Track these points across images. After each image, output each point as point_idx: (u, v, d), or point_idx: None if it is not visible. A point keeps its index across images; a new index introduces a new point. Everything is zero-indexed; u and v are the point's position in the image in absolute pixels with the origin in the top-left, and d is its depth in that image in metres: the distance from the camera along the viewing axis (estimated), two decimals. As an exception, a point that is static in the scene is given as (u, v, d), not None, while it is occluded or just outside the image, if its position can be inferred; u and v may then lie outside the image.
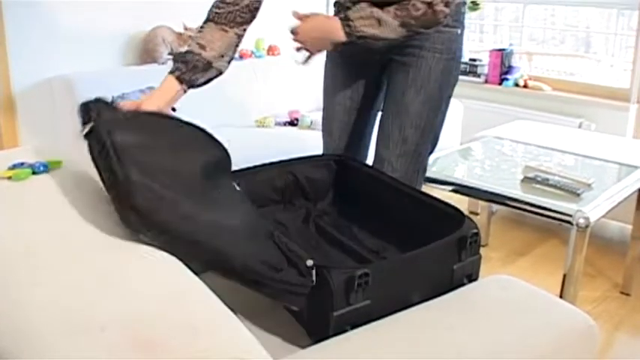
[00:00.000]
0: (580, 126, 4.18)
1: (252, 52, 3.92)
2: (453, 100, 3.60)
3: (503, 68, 4.61)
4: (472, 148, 3.10)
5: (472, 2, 4.70)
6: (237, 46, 1.92)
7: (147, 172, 1.28)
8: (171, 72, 1.82)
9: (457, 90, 4.50)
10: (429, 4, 1.84)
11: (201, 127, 1.63)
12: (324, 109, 2.33)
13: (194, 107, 3.38)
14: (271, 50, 3.97)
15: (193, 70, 1.82)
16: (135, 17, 3.54)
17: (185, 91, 1.84)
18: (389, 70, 2.15)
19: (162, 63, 3.44)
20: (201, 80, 1.85)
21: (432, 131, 2.13)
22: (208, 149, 1.60)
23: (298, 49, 2.00)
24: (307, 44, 1.97)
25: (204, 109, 3.47)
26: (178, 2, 3.63)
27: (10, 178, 1.63)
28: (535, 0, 4.72)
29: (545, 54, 4.87)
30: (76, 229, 1.30)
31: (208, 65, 1.84)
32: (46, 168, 1.68)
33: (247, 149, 2.98)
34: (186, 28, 3.48)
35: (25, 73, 3.24)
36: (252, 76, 3.67)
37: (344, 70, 2.24)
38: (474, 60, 4.76)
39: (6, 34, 3.13)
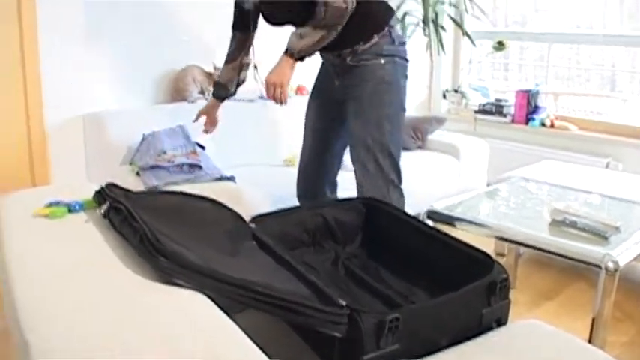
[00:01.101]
0: (607, 166, 4.16)
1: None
2: (478, 141, 3.66)
3: (529, 108, 4.63)
4: (499, 189, 3.10)
5: (498, 42, 4.74)
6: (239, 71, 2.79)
7: (171, 239, 1.33)
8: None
9: (484, 130, 4.54)
10: (325, 4, 2.23)
11: (210, 199, 1.74)
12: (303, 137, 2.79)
13: (223, 146, 3.44)
14: (299, 90, 4.01)
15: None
16: (167, 56, 3.60)
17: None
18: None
19: (192, 101, 3.49)
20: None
21: (385, 149, 2.42)
22: (222, 221, 1.65)
23: (275, 97, 2.40)
24: (277, 82, 2.36)
25: (233, 147, 3.52)
26: (209, 43, 3.69)
27: (47, 215, 1.67)
28: (560, 39, 4.75)
29: (570, 94, 4.88)
30: (111, 267, 1.33)
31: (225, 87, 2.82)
32: (82, 207, 1.72)
33: (275, 188, 3.00)
34: (216, 68, 3.54)
35: (58, 110, 3.28)
36: (281, 115, 3.71)
37: (316, 106, 2.72)
38: (500, 100, 4.79)
39: (41, 70, 3.18)
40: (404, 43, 2.53)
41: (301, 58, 2.36)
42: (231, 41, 2.75)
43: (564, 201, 2.85)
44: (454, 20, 4.90)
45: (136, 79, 3.53)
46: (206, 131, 2.97)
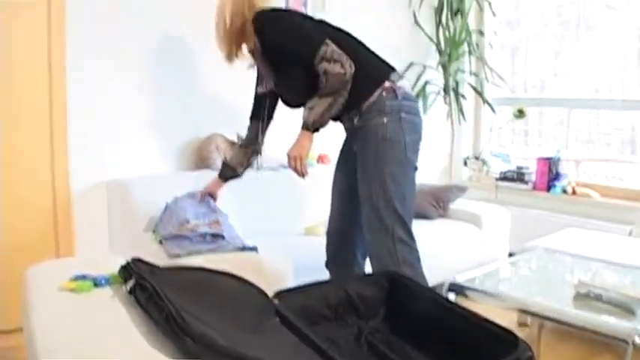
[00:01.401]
0: (630, 233, 4.12)
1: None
2: (500, 209, 3.66)
3: (550, 175, 4.62)
4: (522, 260, 3.09)
5: (518, 110, 4.80)
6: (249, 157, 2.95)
7: (196, 318, 1.34)
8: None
9: (505, 197, 4.56)
10: (325, 72, 2.36)
11: (234, 275, 1.75)
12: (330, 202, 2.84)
13: (244, 213, 3.46)
14: (321, 159, 4.05)
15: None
16: (191, 124, 3.67)
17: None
18: None
19: (216, 169, 3.53)
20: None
21: (390, 206, 2.44)
22: (246, 297, 1.66)
23: (297, 170, 2.54)
24: (297, 155, 2.50)
25: (254, 215, 3.53)
26: (233, 112, 3.76)
27: (73, 289, 1.69)
28: (579, 104, 4.78)
29: (591, 160, 4.87)
30: (136, 345, 1.34)
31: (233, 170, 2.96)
32: (107, 282, 1.73)
33: (298, 257, 3.00)
34: (239, 137, 3.59)
35: (84, 175, 3.33)
36: (303, 184, 3.74)
37: (341, 171, 2.79)
38: (521, 167, 4.80)
39: (68, 135, 3.25)
40: (411, 99, 2.56)
41: (317, 129, 2.47)
42: (249, 129, 2.92)
43: (589, 272, 2.83)
44: (474, 88, 4.96)
45: (160, 146, 3.58)
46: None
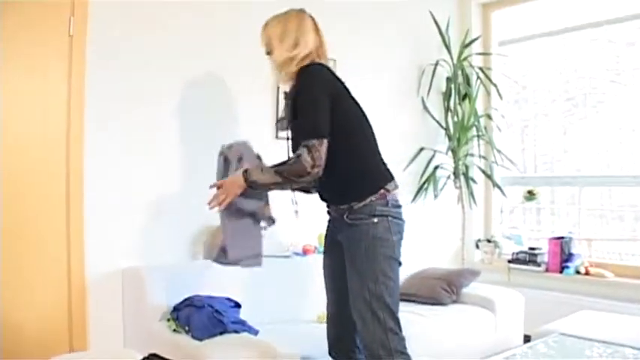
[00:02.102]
0: (647, 313, 4.09)
1: (316, 248, 4.02)
2: (513, 292, 3.65)
3: (563, 256, 4.62)
4: (537, 348, 3.06)
5: (528, 192, 4.83)
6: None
7: None
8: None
9: (518, 279, 4.54)
10: (298, 156, 2.44)
11: None
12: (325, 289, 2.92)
13: (257, 301, 3.47)
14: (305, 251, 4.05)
15: None
16: (206, 212, 3.70)
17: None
18: None
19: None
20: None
21: (381, 300, 2.52)
22: None
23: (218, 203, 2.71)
24: (225, 192, 2.65)
25: (267, 303, 3.54)
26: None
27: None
28: (590, 182, 4.82)
29: (604, 239, 4.87)
30: None
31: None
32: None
33: (307, 346, 3.00)
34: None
35: (99, 263, 3.33)
36: (315, 272, 3.74)
37: (329, 256, 2.85)
38: (534, 249, 4.80)
39: (84, 222, 3.27)
40: (399, 206, 2.66)
41: (251, 186, 2.59)
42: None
43: (608, 359, 2.79)
44: (484, 172, 5.02)
45: (175, 234, 3.61)
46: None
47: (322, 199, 2.80)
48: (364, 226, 2.57)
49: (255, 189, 2.62)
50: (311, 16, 2.81)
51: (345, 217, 2.62)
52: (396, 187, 2.68)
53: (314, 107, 2.53)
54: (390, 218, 2.58)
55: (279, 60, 2.71)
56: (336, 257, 2.76)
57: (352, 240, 2.61)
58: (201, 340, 2.92)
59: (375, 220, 2.56)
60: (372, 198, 2.57)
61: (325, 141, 2.48)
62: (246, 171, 2.59)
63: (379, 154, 2.74)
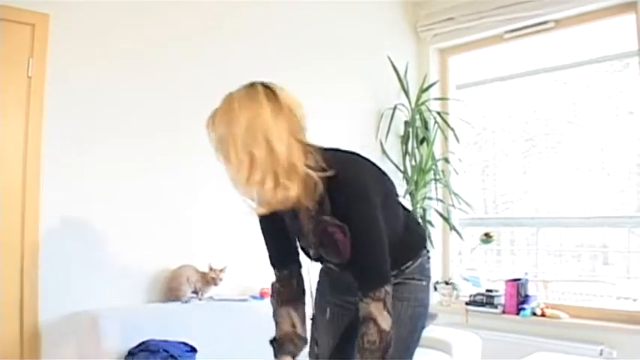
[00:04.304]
0: (601, 353, 4.14)
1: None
2: (470, 335, 3.66)
3: (519, 298, 4.66)
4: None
5: (485, 235, 4.88)
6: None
7: None
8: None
9: (475, 321, 4.59)
10: (372, 320, 1.96)
11: None
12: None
13: (215, 346, 3.41)
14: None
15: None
16: (161, 255, 3.68)
17: None
18: None
19: (186, 301, 3.54)
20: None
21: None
22: None
23: None
24: None
25: (224, 348, 3.49)
26: (204, 243, 3.81)
27: None
28: (548, 223, 4.91)
29: (560, 280, 4.94)
30: None
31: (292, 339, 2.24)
32: None
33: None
34: (211, 269, 3.61)
35: (53, 306, 3.29)
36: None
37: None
38: (491, 290, 4.83)
39: (39, 265, 3.24)
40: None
41: None
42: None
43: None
44: (441, 215, 5.08)
45: (130, 276, 3.58)
46: None
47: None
48: (413, 286, 2.22)
49: None
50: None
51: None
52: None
53: (381, 239, 2.01)
54: (430, 280, 2.33)
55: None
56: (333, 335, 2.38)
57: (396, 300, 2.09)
58: (155, 385, 2.89)
59: (425, 282, 2.26)
60: (421, 258, 2.27)
61: (389, 285, 2.02)
62: None
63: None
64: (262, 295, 3.91)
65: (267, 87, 2.02)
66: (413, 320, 2.21)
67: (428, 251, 2.35)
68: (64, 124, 3.33)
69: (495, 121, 5.37)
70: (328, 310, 2.39)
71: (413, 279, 2.22)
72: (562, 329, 4.43)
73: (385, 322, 1.95)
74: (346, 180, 1.99)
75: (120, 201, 3.55)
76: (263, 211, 2.04)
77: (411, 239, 2.29)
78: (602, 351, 4.15)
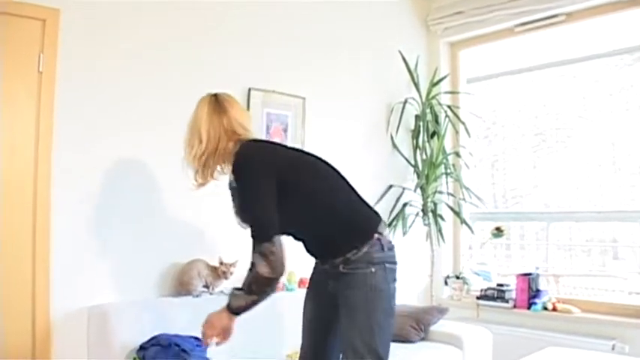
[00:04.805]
0: (613, 348, 4.13)
1: (284, 285, 4.01)
2: (481, 329, 3.66)
3: (530, 292, 4.65)
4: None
5: (496, 229, 4.87)
6: None
7: None
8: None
9: (485, 315, 4.56)
10: (254, 265, 2.41)
11: None
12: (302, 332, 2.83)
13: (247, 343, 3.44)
14: (302, 283, 4.02)
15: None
16: (172, 250, 3.69)
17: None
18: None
19: (197, 296, 3.54)
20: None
21: (372, 350, 2.47)
22: None
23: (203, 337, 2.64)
24: (209, 330, 2.61)
25: (236, 341, 3.48)
26: (215, 237, 3.81)
27: None
28: (558, 218, 4.89)
29: (571, 275, 4.92)
30: None
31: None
32: None
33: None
34: (221, 263, 3.62)
35: (65, 301, 3.29)
36: (284, 310, 3.74)
37: (312, 302, 2.80)
38: (502, 285, 4.83)
39: (50, 259, 3.24)
40: (393, 248, 2.62)
41: (238, 313, 2.55)
42: None
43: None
44: (452, 209, 5.07)
45: (141, 271, 3.59)
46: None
47: (311, 254, 2.72)
48: (361, 275, 2.51)
49: (242, 313, 2.54)
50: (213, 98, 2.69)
51: (340, 267, 2.55)
52: (386, 225, 2.66)
53: (259, 202, 2.46)
54: (386, 265, 2.54)
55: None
56: (317, 303, 2.75)
57: (348, 289, 2.54)
58: (166, 379, 2.89)
59: (373, 269, 2.50)
60: (369, 245, 2.52)
61: (276, 238, 2.42)
62: (228, 305, 2.54)
63: (356, 196, 2.68)
64: (272, 289, 3.92)
65: (216, 97, 2.68)
66: (368, 304, 2.49)
67: (380, 234, 2.56)
68: (75, 118, 3.33)
69: (505, 115, 5.35)
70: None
71: (358, 269, 2.50)
72: (574, 324, 4.42)
73: (260, 268, 2.39)
74: (235, 156, 2.55)
75: (131, 195, 3.55)
76: (201, 182, 2.70)
77: (356, 227, 2.56)
78: (614, 346, 4.14)
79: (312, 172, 2.63)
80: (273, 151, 2.67)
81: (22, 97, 3.18)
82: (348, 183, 2.68)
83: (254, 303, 2.49)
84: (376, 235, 2.55)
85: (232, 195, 2.64)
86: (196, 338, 3.20)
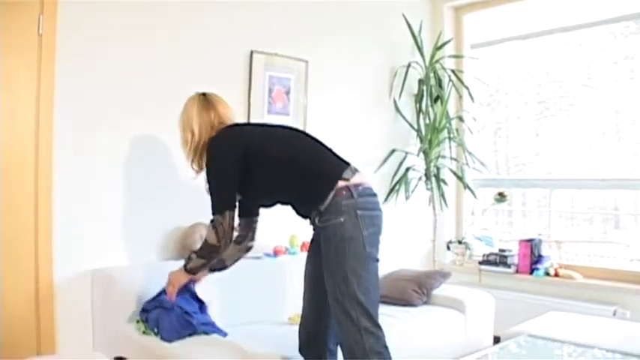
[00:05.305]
0: (614, 314, 4.15)
1: (287, 249, 4.02)
2: (483, 293, 3.66)
3: (532, 258, 4.66)
4: (506, 349, 3.08)
5: (499, 194, 4.86)
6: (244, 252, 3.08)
7: None
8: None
9: (488, 280, 4.57)
10: (207, 234, 2.76)
11: None
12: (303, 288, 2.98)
13: (228, 302, 3.46)
14: (305, 247, 4.00)
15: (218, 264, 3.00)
16: (175, 213, 3.68)
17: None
18: None
19: (200, 259, 3.55)
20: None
21: (353, 298, 2.55)
22: None
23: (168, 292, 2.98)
24: (173, 281, 2.95)
25: (238, 304, 3.53)
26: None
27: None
28: (560, 185, 4.88)
29: (573, 241, 4.93)
30: None
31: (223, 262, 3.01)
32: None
33: (281, 347, 2.99)
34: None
35: (68, 264, 3.29)
36: (287, 273, 3.74)
37: (311, 258, 2.91)
38: (504, 250, 4.83)
39: (53, 223, 3.23)
40: (368, 194, 2.67)
41: (193, 272, 2.91)
42: (239, 225, 3.03)
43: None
44: (455, 174, 5.05)
45: (144, 234, 3.59)
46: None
47: (300, 216, 2.83)
48: (332, 226, 2.60)
49: (196, 273, 2.92)
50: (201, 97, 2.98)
51: (317, 222, 2.67)
52: (355, 171, 2.69)
53: (216, 180, 2.77)
54: (358, 212, 2.58)
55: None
56: (314, 261, 2.82)
57: (324, 241, 2.64)
58: (170, 341, 2.91)
59: (342, 218, 2.57)
60: (334, 194, 2.60)
61: (227, 212, 2.72)
62: (184, 266, 2.89)
63: (326, 151, 2.80)
64: (276, 253, 3.92)
65: (204, 95, 2.98)
66: (339, 254, 2.57)
67: (346, 180, 2.63)
68: (76, 82, 3.30)
69: (508, 82, 5.30)
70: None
71: (329, 220, 2.60)
72: (575, 289, 4.43)
73: (209, 236, 2.74)
74: (209, 141, 2.86)
75: (133, 159, 3.53)
76: (199, 169, 2.95)
77: (317, 177, 2.68)
78: (615, 311, 4.16)
79: (275, 140, 2.85)
80: (240, 130, 2.93)
81: (22, 61, 3.13)
82: (315, 142, 2.84)
83: (203, 265, 2.86)
84: (341, 182, 2.62)
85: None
86: (195, 297, 3.22)
